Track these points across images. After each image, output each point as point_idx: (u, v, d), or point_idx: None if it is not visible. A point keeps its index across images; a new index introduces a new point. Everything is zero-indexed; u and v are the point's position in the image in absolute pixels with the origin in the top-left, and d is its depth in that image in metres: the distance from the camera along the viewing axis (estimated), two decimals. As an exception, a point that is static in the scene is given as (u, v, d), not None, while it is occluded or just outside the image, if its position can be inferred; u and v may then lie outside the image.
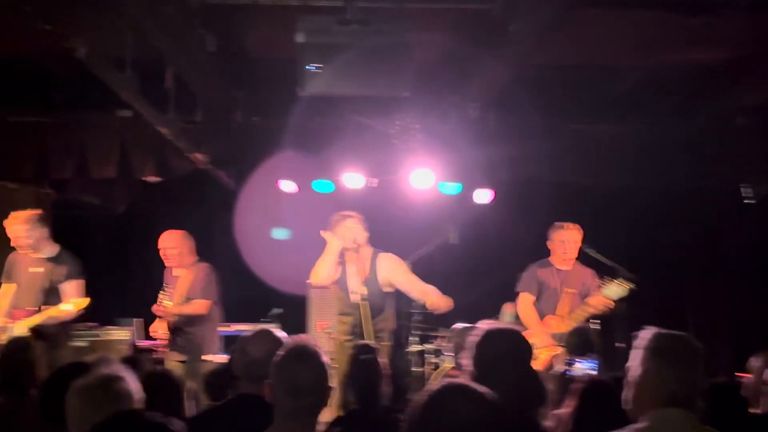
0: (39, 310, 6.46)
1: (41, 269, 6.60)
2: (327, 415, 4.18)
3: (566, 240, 6.85)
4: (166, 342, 7.07)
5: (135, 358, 5.05)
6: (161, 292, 6.94)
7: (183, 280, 7.08)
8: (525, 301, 6.94)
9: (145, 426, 2.10)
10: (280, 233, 6.96)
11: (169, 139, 6.99)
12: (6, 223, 6.61)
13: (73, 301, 6.46)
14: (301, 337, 2.90)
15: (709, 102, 7.43)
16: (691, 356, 2.69)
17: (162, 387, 3.69)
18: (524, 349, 2.71)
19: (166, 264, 7.17)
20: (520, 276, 7.13)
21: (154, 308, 6.98)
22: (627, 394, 2.75)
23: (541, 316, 6.79)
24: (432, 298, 6.37)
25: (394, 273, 6.45)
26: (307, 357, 2.78)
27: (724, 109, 7.47)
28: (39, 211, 6.72)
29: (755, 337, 8.10)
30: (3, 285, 6.71)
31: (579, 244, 6.87)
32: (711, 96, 7.33)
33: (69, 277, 6.67)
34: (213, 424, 3.45)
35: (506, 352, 2.65)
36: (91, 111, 7.46)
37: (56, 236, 7.83)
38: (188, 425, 3.67)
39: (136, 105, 6.14)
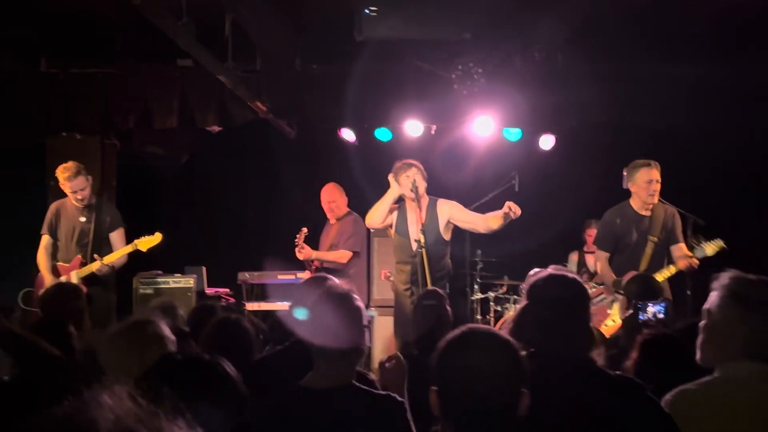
0: (86, 261, 6.58)
1: (86, 219, 6.70)
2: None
3: (654, 179, 6.15)
4: None
5: (210, 306, 5.10)
6: (297, 235, 7.18)
7: (332, 230, 7.39)
8: (600, 260, 6.51)
9: (197, 365, 2.10)
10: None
11: (229, 89, 6.98)
12: (64, 172, 6.66)
13: (140, 242, 6.60)
14: (336, 282, 2.91)
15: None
16: None
17: (231, 334, 3.73)
18: (578, 297, 2.61)
19: (329, 216, 7.48)
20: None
21: (297, 252, 7.20)
22: (700, 341, 2.60)
23: (622, 271, 6.17)
24: (497, 219, 6.20)
25: (455, 212, 6.40)
26: (334, 298, 2.80)
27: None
28: (77, 163, 6.73)
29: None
30: (44, 237, 6.78)
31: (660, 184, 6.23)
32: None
33: (115, 225, 6.80)
34: (269, 369, 3.49)
35: (559, 297, 2.55)
36: (152, 61, 7.50)
37: (121, 186, 8.00)
38: (250, 370, 3.74)
39: (193, 53, 6.13)
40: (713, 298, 2.55)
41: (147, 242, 6.69)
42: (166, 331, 2.86)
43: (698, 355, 2.59)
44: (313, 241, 7.56)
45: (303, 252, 7.19)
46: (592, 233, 8.52)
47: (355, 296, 2.85)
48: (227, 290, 8.35)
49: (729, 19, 6.74)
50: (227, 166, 9.51)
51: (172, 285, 7.56)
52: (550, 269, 2.73)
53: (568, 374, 2.43)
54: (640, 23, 7.08)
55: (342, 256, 7.25)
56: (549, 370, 2.41)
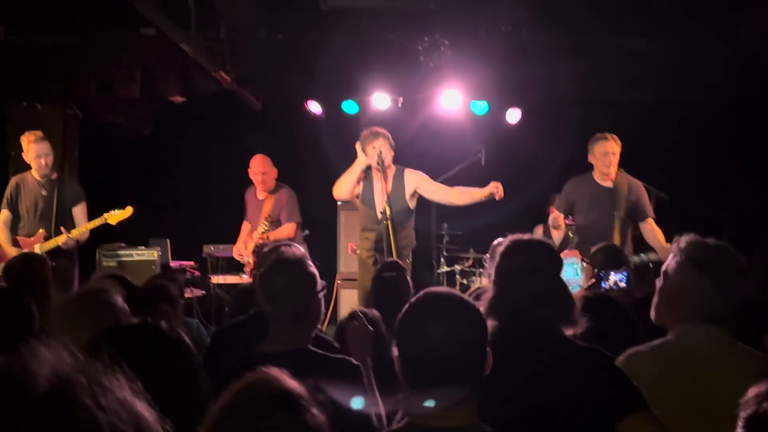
0: (50, 235, 6.49)
1: (48, 193, 6.61)
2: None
3: (610, 151, 6.31)
4: (250, 266, 7.26)
5: (171, 275, 5.09)
6: (263, 222, 7.06)
7: (267, 204, 7.27)
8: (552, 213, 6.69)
9: (153, 335, 2.07)
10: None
11: (193, 58, 6.88)
12: (30, 136, 6.56)
13: (110, 216, 6.52)
14: (289, 247, 2.91)
15: (753, 17, 7.10)
16: (733, 271, 2.52)
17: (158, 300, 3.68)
18: (550, 262, 2.58)
19: (260, 188, 7.31)
20: None
21: (256, 237, 7.09)
22: (655, 301, 2.63)
23: (586, 236, 6.25)
24: (471, 196, 6.31)
25: (421, 183, 6.43)
26: (285, 264, 2.80)
27: (766, 25, 7.11)
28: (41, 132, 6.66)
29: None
30: (3, 212, 6.67)
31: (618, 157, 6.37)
32: (754, 11, 7.01)
33: (78, 199, 6.72)
34: (229, 340, 3.46)
35: (530, 263, 2.52)
36: (114, 30, 7.35)
37: (84, 157, 7.88)
38: (211, 340, 3.71)
39: (155, 20, 6.02)
40: (671, 260, 2.59)
41: (117, 216, 6.61)
42: (119, 301, 2.84)
43: (653, 315, 2.63)
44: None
45: (264, 238, 7.06)
46: (557, 205, 8.59)
47: (309, 262, 2.84)
48: (192, 263, 8.29)
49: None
50: (192, 138, 9.40)
51: (136, 257, 7.49)
52: (514, 237, 2.69)
53: (535, 345, 2.43)
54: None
55: (290, 230, 7.22)
56: (517, 341, 2.41)
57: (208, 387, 2.12)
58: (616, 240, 6.22)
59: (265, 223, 7.02)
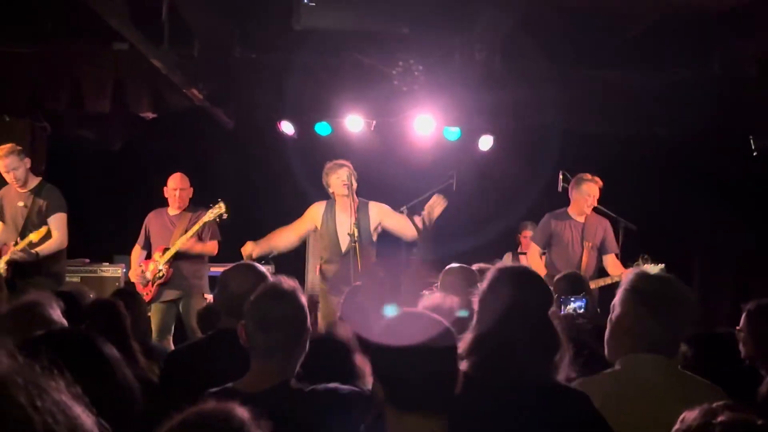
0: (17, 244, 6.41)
1: (25, 203, 6.52)
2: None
3: (593, 195, 6.81)
4: (162, 279, 7.02)
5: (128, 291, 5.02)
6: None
7: (183, 220, 7.10)
8: (531, 252, 7.09)
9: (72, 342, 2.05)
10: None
11: (165, 74, 6.82)
12: None
13: (32, 235, 6.37)
14: (280, 277, 2.80)
15: (724, 50, 7.20)
16: (675, 301, 2.56)
17: (107, 316, 3.59)
18: (543, 297, 2.42)
19: (179, 204, 7.12)
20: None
21: (194, 247, 6.98)
22: (606, 335, 2.66)
23: (555, 268, 6.69)
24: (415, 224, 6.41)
25: (385, 216, 6.43)
26: (280, 293, 2.70)
27: (739, 58, 7.22)
28: (14, 144, 6.56)
29: (762, 287, 8.03)
30: None
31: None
32: (725, 44, 7.11)
33: (52, 210, 6.58)
34: (189, 359, 3.37)
35: (522, 298, 2.35)
36: (85, 42, 7.29)
37: (52, 170, 7.78)
38: (166, 360, 3.61)
39: (127, 34, 5.96)
40: (618, 292, 2.62)
41: (36, 234, 6.41)
42: (55, 314, 2.79)
43: (606, 351, 2.65)
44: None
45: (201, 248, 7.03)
46: (527, 235, 8.63)
47: (299, 291, 2.74)
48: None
49: (663, 26, 6.84)
50: (162, 155, 9.30)
51: (100, 274, 7.42)
52: (503, 267, 2.57)
53: (517, 386, 2.31)
54: (578, 27, 7.15)
55: (214, 247, 7.16)
56: (498, 381, 2.32)
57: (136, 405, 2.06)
58: (582, 265, 6.75)
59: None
